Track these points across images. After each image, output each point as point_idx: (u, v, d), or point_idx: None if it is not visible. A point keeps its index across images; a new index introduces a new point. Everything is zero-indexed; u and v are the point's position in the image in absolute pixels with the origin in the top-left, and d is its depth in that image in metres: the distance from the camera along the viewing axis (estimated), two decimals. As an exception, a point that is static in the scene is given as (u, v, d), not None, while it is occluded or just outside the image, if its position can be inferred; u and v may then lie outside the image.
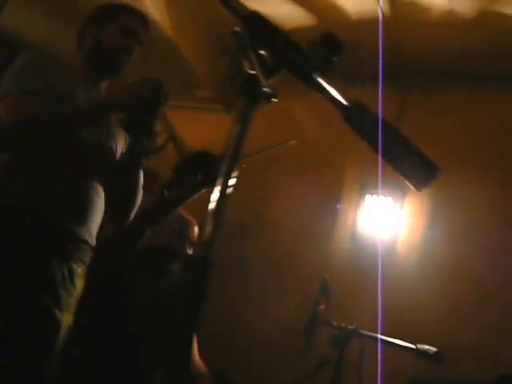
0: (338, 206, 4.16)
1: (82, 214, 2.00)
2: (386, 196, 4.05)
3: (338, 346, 2.24)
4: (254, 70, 1.00)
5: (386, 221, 4.02)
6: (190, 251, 2.85)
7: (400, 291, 3.53)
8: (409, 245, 3.99)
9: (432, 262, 3.78)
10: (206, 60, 4.36)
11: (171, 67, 4.15)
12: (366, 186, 4.12)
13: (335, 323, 2.39)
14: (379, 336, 2.18)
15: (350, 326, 2.28)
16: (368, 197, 4.09)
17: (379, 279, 3.28)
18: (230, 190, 0.95)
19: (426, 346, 2.03)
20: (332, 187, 4.23)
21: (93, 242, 2.08)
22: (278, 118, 4.35)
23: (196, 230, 2.91)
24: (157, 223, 2.51)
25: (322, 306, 2.51)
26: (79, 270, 2.01)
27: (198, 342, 2.88)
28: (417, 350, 2.04)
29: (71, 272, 1.96)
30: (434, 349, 2.00)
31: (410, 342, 2.10)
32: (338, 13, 3.79)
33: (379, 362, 2.15)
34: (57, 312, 1.89)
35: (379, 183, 3.92)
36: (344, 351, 2.24)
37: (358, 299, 3.49)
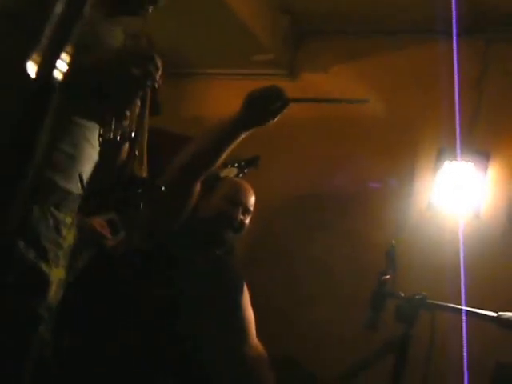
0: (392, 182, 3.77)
1: (68, 166, 1.73)
2: (466, 162, 3.64)
3: (404, 319, 1.89)
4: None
5: (467, 189, 3.61)
6: (245, 218, 2.57)
7: (482, 263, 3.14)
8: (492, 214, 3.56)
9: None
10: (264, 20, 4.05)
11: (227, 31, 3.89)
12: (444, 151, 3.71)
13: (403, 294, 2.04)
14: (460, 306, 1.81)
15: (417, 296, 1.92)
16: (447, 163, 3.68)
17: (461, 250, 2.94)
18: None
19: (510, 313, 1.65)
20: (407, 153, 3.84)
21: (79, 190, 1.80)
22: (355, 79, 4.03)
23: (251, 195, 2.62)
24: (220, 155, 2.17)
25: (388, 276, 2.16)
26: (67, 220, 1.76)
27: (261, 327, 2.60)
28: (498, 318, 1.67)
29: (57, 222, 1.71)
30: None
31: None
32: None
33: (464, 337, 1.80)
34: (43, 265, 1.66)
35: (458, 148, 3.53)
36: (411, 325, 1.89)
37: (436, 271, 3.14)
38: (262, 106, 1.95)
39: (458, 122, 3.45)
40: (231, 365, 2.50)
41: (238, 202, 2.53)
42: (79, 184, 1.76)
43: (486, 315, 1.72)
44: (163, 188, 1.71)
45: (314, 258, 3.80)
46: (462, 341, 2.06)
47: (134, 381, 2.13)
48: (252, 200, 2.60)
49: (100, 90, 1.62)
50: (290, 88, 2.01)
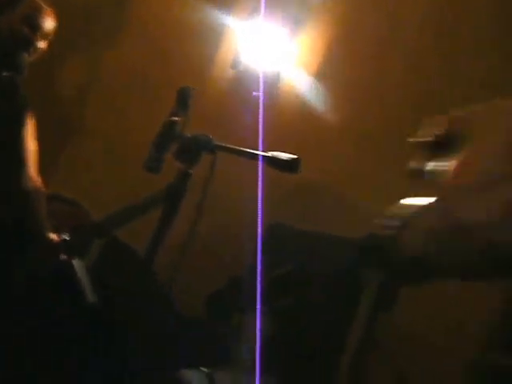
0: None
1: None
2: (275, 23, 3.52)
3: (183, 159, 1.82)
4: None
5: (273, 49, 3.54)
6: (41, 44, 2.45)
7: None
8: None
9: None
10: None
11: None
12: (258, 8, 3.56)
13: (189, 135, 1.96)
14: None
15: (202, 135, 1.84)
16: (258, 20, 3.55)
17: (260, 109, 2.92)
18: None
19: (281, 154, 1.62)
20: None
21: None
22: None
23: (52, 20, 2.48)
24: None
25: (177, 118, 2.05)
26: None
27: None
28: (271, 159, 1.63)
29: None
30: (291, 156, 1.59)
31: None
32: None
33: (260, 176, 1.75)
34: None
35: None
36: (190, 166, 1.82)
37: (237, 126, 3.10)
38: None
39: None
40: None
41: (37, 27, 2.43)
42: None
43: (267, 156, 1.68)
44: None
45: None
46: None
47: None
48: (52, 25, 2.48)
49: None
50: None
